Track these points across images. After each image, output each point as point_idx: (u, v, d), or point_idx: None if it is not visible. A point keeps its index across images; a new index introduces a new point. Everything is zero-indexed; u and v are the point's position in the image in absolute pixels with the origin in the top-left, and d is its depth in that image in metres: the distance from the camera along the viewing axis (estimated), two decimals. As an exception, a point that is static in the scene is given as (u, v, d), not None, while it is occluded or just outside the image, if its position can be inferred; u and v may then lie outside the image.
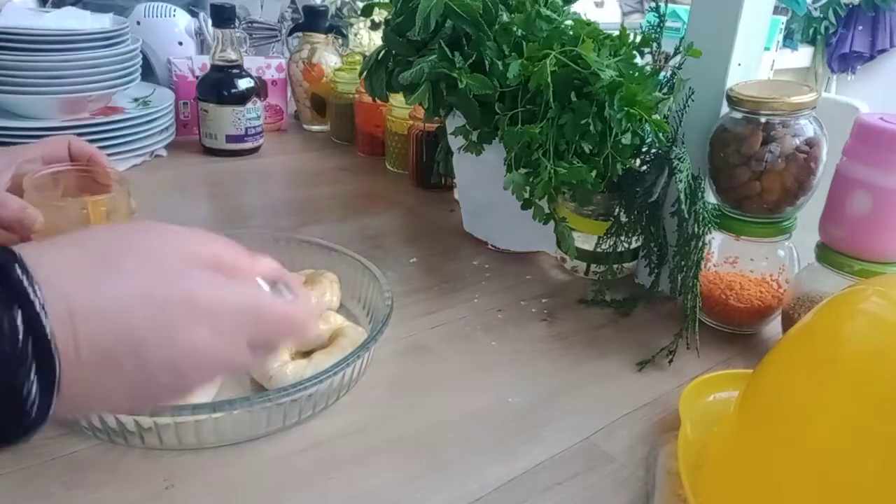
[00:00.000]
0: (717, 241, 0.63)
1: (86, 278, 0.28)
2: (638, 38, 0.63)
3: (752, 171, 0.58)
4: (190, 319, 0.30)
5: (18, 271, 0.26)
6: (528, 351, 0.59)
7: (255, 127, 1.03)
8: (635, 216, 0.66)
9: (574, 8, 0.71)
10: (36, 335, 0.26)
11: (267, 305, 0.34)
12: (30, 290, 0.26)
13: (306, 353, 0.53)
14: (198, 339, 0.30)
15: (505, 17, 0.63)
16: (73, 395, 0.28)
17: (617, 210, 0.68)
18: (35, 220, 0.52)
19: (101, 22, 0.95)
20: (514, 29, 0.62)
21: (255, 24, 1.33)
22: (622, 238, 0.67)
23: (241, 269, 0.34)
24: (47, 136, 0.85)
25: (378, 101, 0.78)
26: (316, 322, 0.35)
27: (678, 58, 0.63)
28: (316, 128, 1.19)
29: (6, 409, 0.26)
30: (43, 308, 0.26)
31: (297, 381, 0.46)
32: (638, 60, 0.62)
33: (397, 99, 0.92)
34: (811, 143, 0.58)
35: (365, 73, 0.75)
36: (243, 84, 1.01)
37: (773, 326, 0.63)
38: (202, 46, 1.18)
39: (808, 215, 0.61)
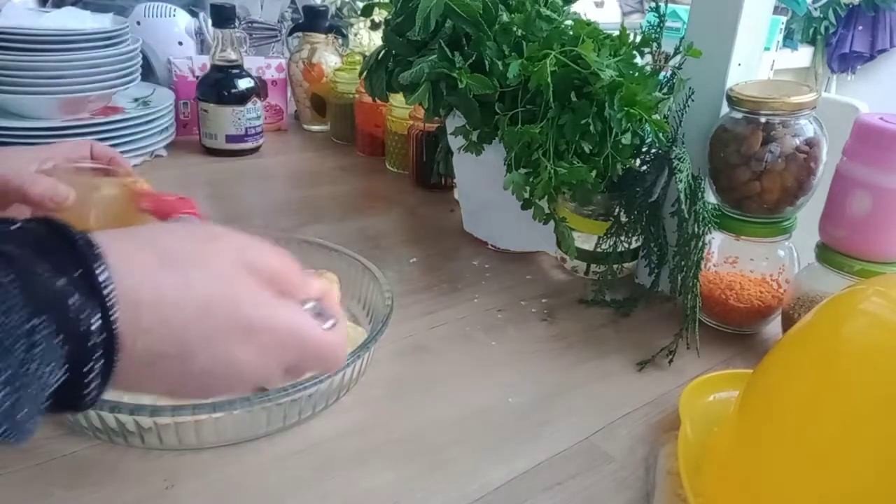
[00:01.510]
0: (717, 241, 0.63)
1: (153, 279, 0.29)
2: (638, 38, 0.63)
3: (752, 171, 0.58)
4: (241, 340, 0.31)
5: (99, 265, 0.27)
6: (528, 351, 0.59)
7: (255, 127, 1.03)
8: (635, 216, 0.66)
9: (574, 8, 0.71)
10: (108, 328, 0.27)
11: (313, 337, 0.34)
12: (109, 285, 0.27)
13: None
14: (243, 359, 0.32)
15: (505, 17, 0.63)
16: (115, 382, 0.29)
17: (617, 210, 0.68)
18: (67, 196, 0.51)
19: (101, 22, 0.95)
20: (514, 29, 0.62)
21: (255, 24, 1.33)
22: (622, 238, 0.67)
23: (292, 286, 0.35)
24: (47, 135, 0.86)
25: (378, 101, 0.78)
26: (346, 352, 0.37)
27: (678, 58, 0.63)
28: (316, 128, 1.19)
29: (70, 393, 0.27)
30: (116, 303, 0.27)
31: (297, 381, 0.46)
32: (638, 60, 0.62)
33: (397, 99, 0.92)
34: (811, 143, 0.58)
35: (365, 73, 0.75)
36: (243, 84, 1.01)
37: (773, 326, 0.63)
38: (202, 46, 1.18)
39: (808, 215, 0.61)
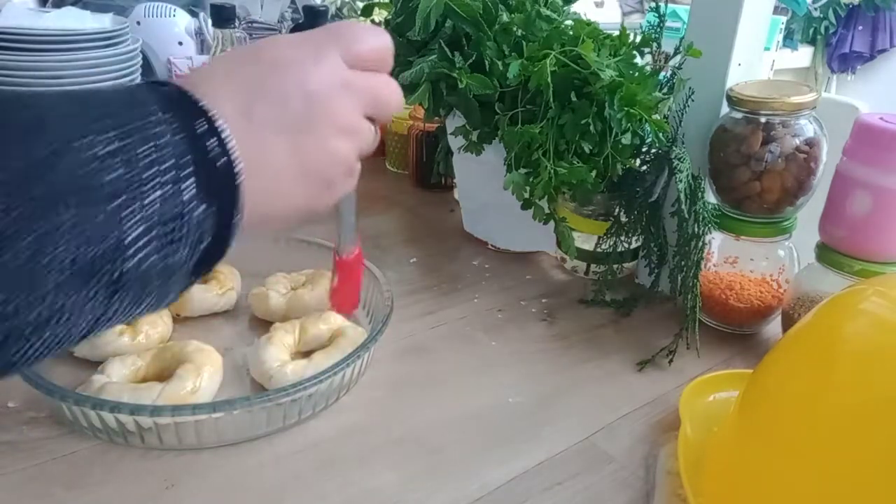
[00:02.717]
0: (717, 241, 0.63)
1: (234, 71, 0.31)
2: (638, 38, 0.63)
3: (752, 171, 0.58)
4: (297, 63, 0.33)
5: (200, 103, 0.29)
6: (528, 351, 0.59)
7: (255, 127, 1.03)
8: (635, 216, 0.66)
9: (574, 8, 0.71)
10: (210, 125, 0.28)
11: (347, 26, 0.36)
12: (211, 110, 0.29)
13: (306, 354, 0.53)
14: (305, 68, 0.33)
15: (505, 17, 0.63)
16: (247, 157, 0.29)
17: (617, 210, 0.68)
18: None
19: (101, 22, 0.95)
20: (514, 29, 0.62)
21: (255, 25, 1.33)
22: (622, 238, 0.67)
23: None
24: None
25: (378, 101, 0.78)
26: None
27: (678, 58, 0.63)
28: (316, 128, 1.19)
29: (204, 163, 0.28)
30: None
31: (297, 381, 0.46)
32: (638, 60, 0.62)
33: (397, 99, 0.92)
34: (811, 143, 0.58)
35: (365, 73, 0.75)
36: (243, 84, 1.01)
37: (773, 326, 0.63)
38: (202, 46, 1.18)
39: (808, 215, 0.61)
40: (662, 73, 0.64)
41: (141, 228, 0.25)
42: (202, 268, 0.30)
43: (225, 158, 0.28)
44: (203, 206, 0.28)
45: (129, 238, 0.25)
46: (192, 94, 0.29)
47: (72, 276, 0.24)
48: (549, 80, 0.57)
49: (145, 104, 0.27)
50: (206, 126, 0.28)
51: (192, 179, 0.27)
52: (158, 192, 0.26)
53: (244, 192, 0.29)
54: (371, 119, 0.36)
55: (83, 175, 0.24)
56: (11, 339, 0.24)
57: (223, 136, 0.28)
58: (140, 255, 0.26)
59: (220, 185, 0.28)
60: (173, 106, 0.28)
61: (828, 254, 0.57)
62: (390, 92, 0.37)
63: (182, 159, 0.27)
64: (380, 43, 0.36)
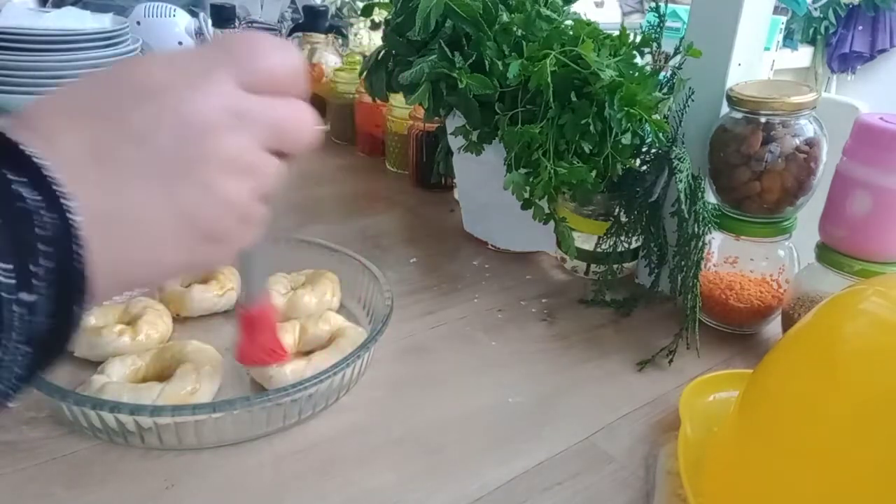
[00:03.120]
0: (716, 241, 0.63)
1: (53, 98, 0.25)
2: (638, 38, 0.63)
3: (752, 171, 0.58)
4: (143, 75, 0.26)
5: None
6: (528, 351, 0.59)
7: (255, 127, 1.03)
8: (635, 216, 0.66)
9: (574, 8, 0.71)
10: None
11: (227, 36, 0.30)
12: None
13: (306, 354, 0.53)
14: (160, 81, 0.26)
15: (505, 17, 0.63)
16: (98, 208, 0.23)
17: (617, 210, 0.68)
18: None
19: (101, 22, 0.95)
20: (514, 29, 0.62)
21: (255, 24, 1.33)
22: (622, 238, 0.67)
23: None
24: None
25: (378, 101, 0.78)
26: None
27: (678, 58, 0.63)
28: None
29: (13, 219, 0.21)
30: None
31: (297, 381, 0.46)
32: (638, 60, 0.62)
33: (397, 99, 0.92)
34: (811, 143, 0.58)
35: (365, 73, 0.75)
36: (243, 84, 1.01)
37: (773, 326, 0.63)
38: (202, 46, 1.18)
39: (808, 215, 0.61)
40: (662, 73, 0.64)
41: None
42: (41, 365, 0.23)
43: (57, 226, 0.22)
44: (25, 294, 0.21)
45: None
46: (13, 140, 0.22)
47: None
48: (549, 80, 0.57)
49: None
50: (26, 180, 0.21)
51: (3, 263, 0.21)
52: None
53: (93, 265, 0.23)
54: (278, 153, 0.30)
55: None
56: None
57: (56, 195, 0.22)
58: None
59: (55, 262, 0.22)
60: None
61: (828, 254, 0.57)
62: (298, 119, 0.30)
63: None
64: (286, 60, 0.29)
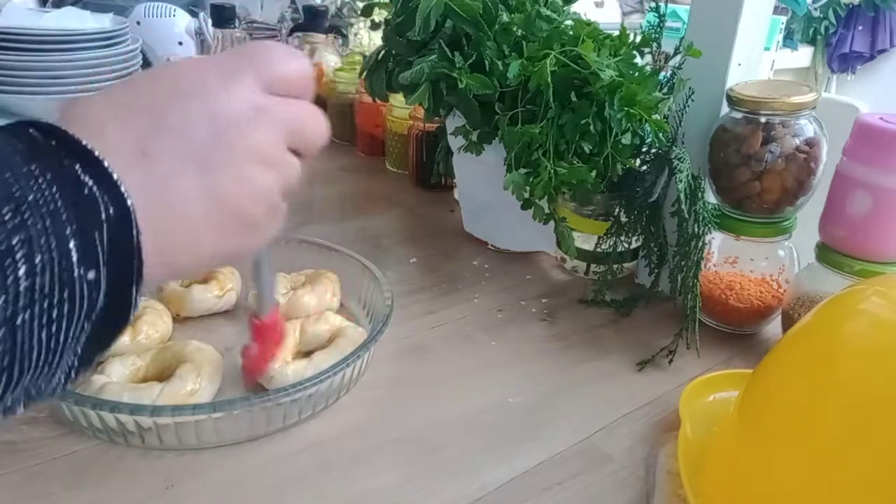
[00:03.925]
0: (717, 241, 0.63)
1: (106, 96, 0.27)
2: (638, 38, 0.63)
3: (752, 171, 0.58)
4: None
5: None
6: (528, 351, 0.59)
7: (255, 127, 1.03)
8: (635, 216, 0.66)
9: (574, 8, 0.71)
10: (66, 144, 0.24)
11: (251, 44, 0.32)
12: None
13: (306, 354, 0.53)
14: (199, 79, 0.29)
15: (505, 17, 0.63)
16: (146, 203, 0.25)
17: (617, 210, 0.68)
18: None
19: (101, 22, 0.95)
20: (514, 29, 0.62)
21: (255, 24, 1.33)
22: (622, 238, 0.67)
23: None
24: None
25: (378, 101, 0.78)
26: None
27: (678, 58, 0.63)
28: (316, 128, 1.19)
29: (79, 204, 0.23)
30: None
31: (297, 381, 0.46)
32: (638, 60, 0.62)
33: (397, 99, 0.92)
34: (811, 143, 0.58)
35: (365, 73, 0.75)
36: (243, 84, 1.01)
37: (774, 326, 0.63)
38: (202, 46, 1.18)
39: (808, 215, 0.61)
40: (662, 73, 0.64)
41: (9, 311, 0.21)
42: (98, 346, 0.25)
43: (115, 210, 0.24)
44: (92, 273, 0.23)
45: None
46: (69, 133, 0.24)
47: None
48: (549, 80, 0.57)
49: None
50: (89, 172, 0.24)
51: (72, 242, 0.22)
52: (24, 268, 0.21)
53: (144, 247, 0.25)
54: (295, 153, 0.32)
55: None
56: None
57: (114, 180, 0.24)
58: (18, 332, 0.21)
59: (113, 243, 0.24)
60: (40, 152, 0.23)
61: (828, 254, 0.57)
62: (314, 121, 0.33)
63: (57, 219, 0.22)
64: (300, 67, 0.33)
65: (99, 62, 0.90)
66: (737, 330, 0.63)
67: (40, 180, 0.22)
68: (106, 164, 0.24)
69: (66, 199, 0.23)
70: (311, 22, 1.18)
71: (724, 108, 0.61)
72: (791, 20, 2.68)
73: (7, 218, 0.21)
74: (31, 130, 0.24)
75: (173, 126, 0.27)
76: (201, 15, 1.19)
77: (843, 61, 2.83)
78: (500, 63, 0.61)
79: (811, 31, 2.82)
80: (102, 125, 0.26)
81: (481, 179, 0.72)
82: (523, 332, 0.62)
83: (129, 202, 0.24)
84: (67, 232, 0.22)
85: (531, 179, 0.62)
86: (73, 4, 1.15)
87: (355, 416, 0.50)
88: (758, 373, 0.44)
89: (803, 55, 2.85)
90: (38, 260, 0.22)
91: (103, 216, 0.23)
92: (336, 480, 0.44)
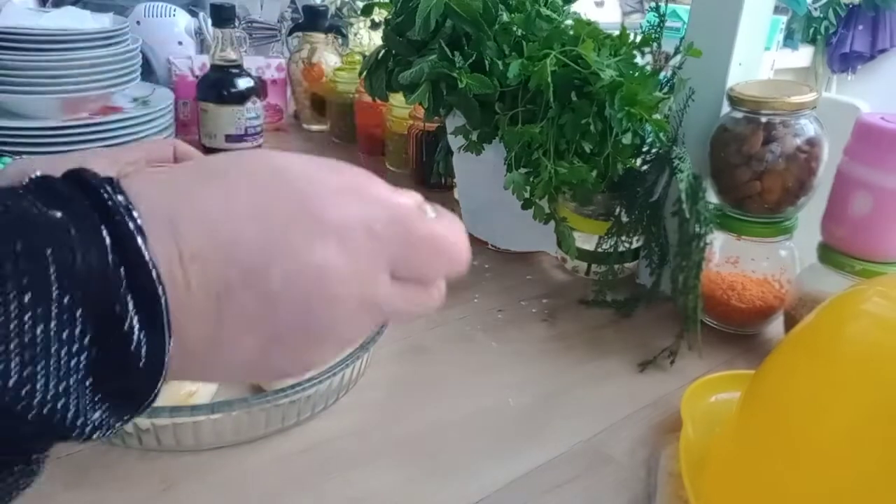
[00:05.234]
0: (718, 241, 0.62)
1: (188, 189, 0.23)
2: (638, 38, 0.63)
3: (753, 170, 0.58)
4: (313, 234, 0.24)
5: (106, 187, 0.21)
6: (528, 351, 0.59)
7: (254, 127, 1.03)
8: (636, 216, 0.65)
9: (574, 8, 0.71)
10: (130, 261, 0.21)
11: (415, 222, 0.27)
12: (121, 205, 0.21)
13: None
14: (325, 257, 0.24)
15: (505, 17, 0.62)
16: (191, 345, 0.23)
17: (618, 210, 0.68)
18: None
19: (101, 22, 0.94)
20: (514, 29, 0.62)
21: (254, 24, 1.33)
22: (623, 238, 0.67)
23: (378, 192, 0.28)
24: (47, 136, 0.86)
25: (378, 101, 0.78)
26: (466, 241, 0.30)
27: (678, 58, 0.62)
28: (316, 127, 1.19)
29: (111, 347, 0.21)
30: (139, 229, 0.21)
31: (296, 382, 0.46)
32: (638, 60, 0.62)
33: (397, 99, 0.92)
34: (812, 143, 0.58)
35: (365, 73, 0.75)
36: (243, 84, 1.01)
37: (775, 327, 0.63)
38: (202, 46, 1.18)
39: (809, 215, 0.60)
40: (663, 73, 0.64)
41: None
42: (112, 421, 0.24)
43: (151, 347, 0.22)
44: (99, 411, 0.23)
45: None
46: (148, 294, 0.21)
47: None
48: (549, 79, 0.57)
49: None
50: (141, 315, 0.21)
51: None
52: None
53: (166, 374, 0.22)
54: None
55: None
56: None
57: (162, 319, 0.22)
58: None
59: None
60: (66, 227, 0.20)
61: (829, 254, 0.57)
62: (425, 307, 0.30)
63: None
64: (454, 268, 0.30)
65: (99, 62, 0.90)
66: (738, 330, 0.63)
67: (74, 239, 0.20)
68: (163, 301, 0.21)
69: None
70: (310, 22, 1.17)
71: (725, 108, 0.61)
72: (791, 20, 2.68)
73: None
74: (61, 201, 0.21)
75: (267, 289, 0.24)
76: (201, 15, 1.18)
77: (844, 61, 2.82)
78: (500, 63, 0.61)
79: (811, 30, 2.82)
80: (189, 257, 0.22)
81: (481, 179, 0.72)
82: (524, 333, 0.61)
83: (166, 349, 0.22)
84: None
85: (531, 179, 0.62)
86: (72, 4, 1.15)
87: (354, 418, 0.49)
88: (760, 374, 0.44)
89: (803, 55, 2.84)
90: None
91: (133, 360, 0.21)
92: (335, 482, 0.44)
